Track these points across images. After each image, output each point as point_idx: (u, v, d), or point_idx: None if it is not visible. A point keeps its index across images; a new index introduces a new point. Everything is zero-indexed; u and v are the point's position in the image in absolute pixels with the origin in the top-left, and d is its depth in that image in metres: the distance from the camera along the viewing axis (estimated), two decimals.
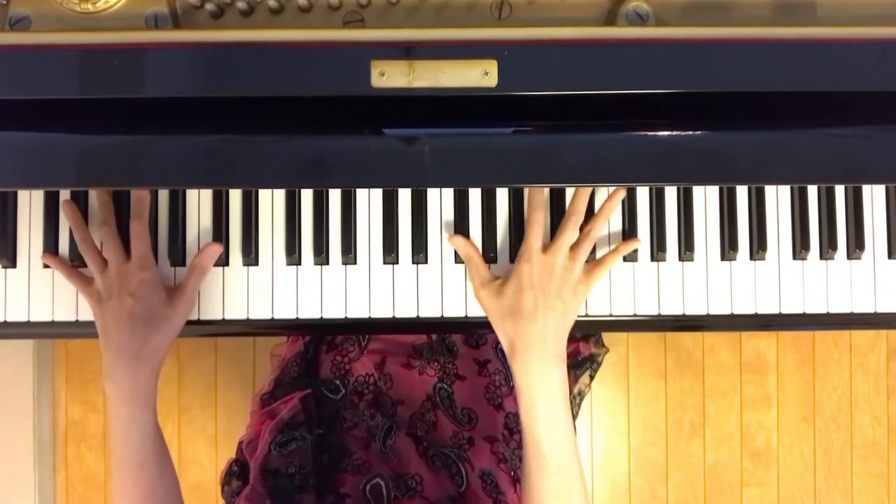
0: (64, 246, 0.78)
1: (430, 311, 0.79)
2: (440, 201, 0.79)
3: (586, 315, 0.79)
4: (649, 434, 1.81)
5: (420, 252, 0.78)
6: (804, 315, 0.80)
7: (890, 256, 0.80)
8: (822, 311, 0.80)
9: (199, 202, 0.79)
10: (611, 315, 0.79)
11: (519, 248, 0.77)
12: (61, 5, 0.66)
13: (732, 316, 0.80)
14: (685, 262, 0.80)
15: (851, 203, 0.80)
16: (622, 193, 0.77)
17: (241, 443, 0.87)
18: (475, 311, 0.79)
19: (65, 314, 0.78)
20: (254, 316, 0.79)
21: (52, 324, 0.78)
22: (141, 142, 0.68)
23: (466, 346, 0.92)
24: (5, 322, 0.78)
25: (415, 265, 0.79)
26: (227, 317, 0.79)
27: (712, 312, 0.80)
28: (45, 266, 0.78)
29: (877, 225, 0.80)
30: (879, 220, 0.81)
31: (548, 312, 0.70)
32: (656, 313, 0.79)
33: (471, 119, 0.69)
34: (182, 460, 1.77)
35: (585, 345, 1.02)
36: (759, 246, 0.79)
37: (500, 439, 0.86)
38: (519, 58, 0.65)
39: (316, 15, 0.68)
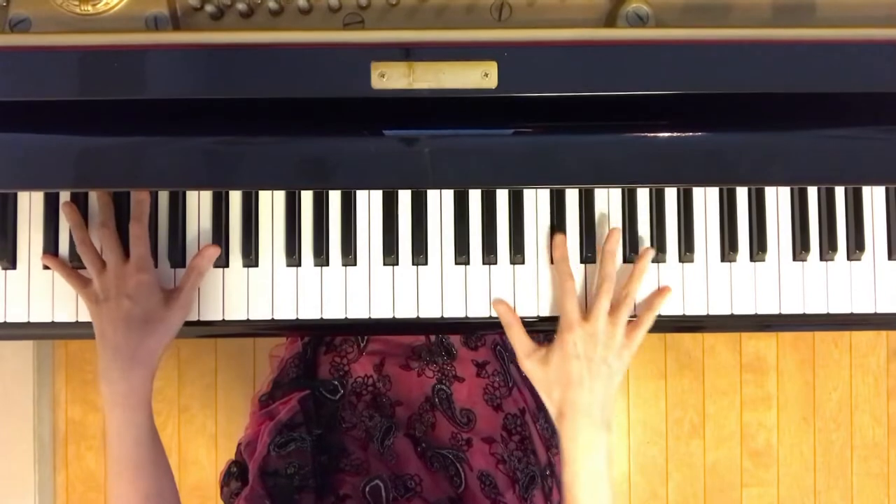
0: (64, 247, 0.78)
1: (430, 311, 0.79)
2: (440, 203, 0.79)
3: None
4: (649, 434, 1.81)
5: (420, 253, 0.78)
6: (804, 316, 0.80)
7: (890, 257, 0.80)
8: (823, 311, 0.80)
9: (199, 203, 0.79)
10: None
11: (517, 250, 0.78)
12: (61, 7, 0.66)
13: (732, 316, 0.80)
14: (685, 264, 0.80)
15: (851, 204, 0.80)
16: (651, 253, 0.78)
17: (239, 444, 0.87)
18: (475, 311, 0.79)
19: (65, 315, 0.78)
20: (254, 317, 0.79)
21: (52, 325, 0.78)
22: (141, 143, 0.69)
23: (465, 347, 0.92)
24: (5, 323, 0.78)
25: (415, 266, 0.79)
26: (228, 317, 0.79)
27: (712, 313, 0.80)
28: (45, 267, 0.78)
29: (877, 226, 0.81)
30: (879, 221, 0.81)
31: (595, 379, 0.72)
32: (657, 314, 0.79)
33: (471, 120, 0.69)
34: (182, 460, 1.77)
35: None
36: (759, 247, 0.79)
37: (499, 440, 0.86)
38: (519, 59, 0.65)
39: (316, 16, 0.69)
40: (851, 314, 0.80)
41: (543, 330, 0.80)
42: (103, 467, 1.77)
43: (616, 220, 0.79)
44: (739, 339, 1.82)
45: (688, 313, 0.79)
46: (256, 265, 0.79)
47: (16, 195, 0.78)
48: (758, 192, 0.80)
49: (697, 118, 0.69)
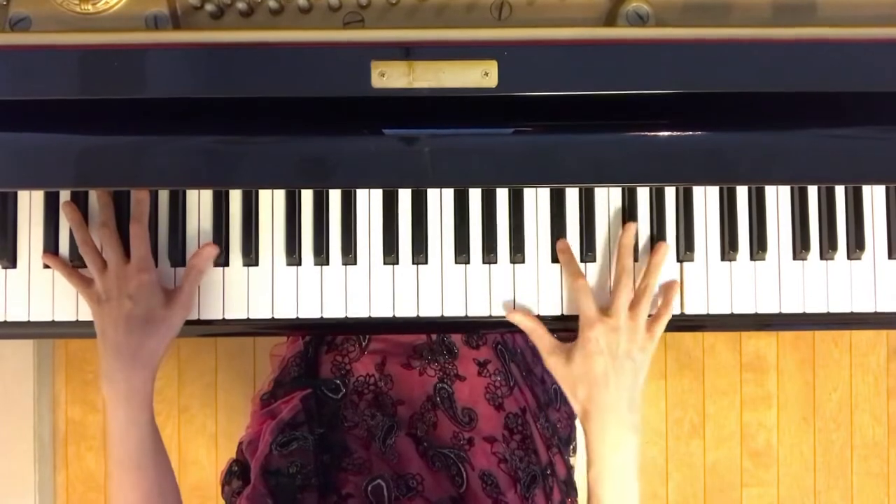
0: (64, 246, 0.78)
1: (430, 310, 0.79)
2: (440, 202, 0.79)
3: None
4: (649, 434, 1.81)
5: (420, 252, 0.78)
6: (804, 315, 0.80)
7: (890, 256, 0.80)
8: (823, 310, 0.80)
9: (199, 203, 0.79)
10: None
11: (518, 249, 0.78)
12: (61, 6, 0.66)
13: (732, 316, 0.80)
14: (685, 263, 0.80)
15: (851, 203, 0.80)
16: (666, 247, 0.78)
17: (241, 443, 0.87)
18: (475, 310, 0.79)
19: (65, 314, 0.78)
20: (254, 316, 0.79)
21: (53, 324, 0.78)
22: (141, 142, 0.69)
23: (466, 346, 0.92)
24: (5, 322, 0.78)
25: (415, 265, 0.79)
26: (228, 317, 0.79)
27: (712, 312, 0.80)
28: (46, 266, 0.78)
29: (877, 225, 0.81)
30: (879, 221, 0.81)
31: (620, 375, 0.72)
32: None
33: (471, 119, 0.69)
34: (182, 460, 1.77)
35: None
36: (759, 246, 0.79)
37: (500, 440, 0.86)
38: (519, 58, 0.65)
39: (316, 15, 0.69)
40: (851, 313, 0.80)
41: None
42: (103, 467, 1.77)
43: (616, 220, 0.79)
44: (739, 339, 1.82)
45: (688, 312, 0.79)
46: (256, 264, 0.79)
47: (16, 194, 0.78)
48: (758, 191, 0.80)
49: (697, 117, 0.70)
